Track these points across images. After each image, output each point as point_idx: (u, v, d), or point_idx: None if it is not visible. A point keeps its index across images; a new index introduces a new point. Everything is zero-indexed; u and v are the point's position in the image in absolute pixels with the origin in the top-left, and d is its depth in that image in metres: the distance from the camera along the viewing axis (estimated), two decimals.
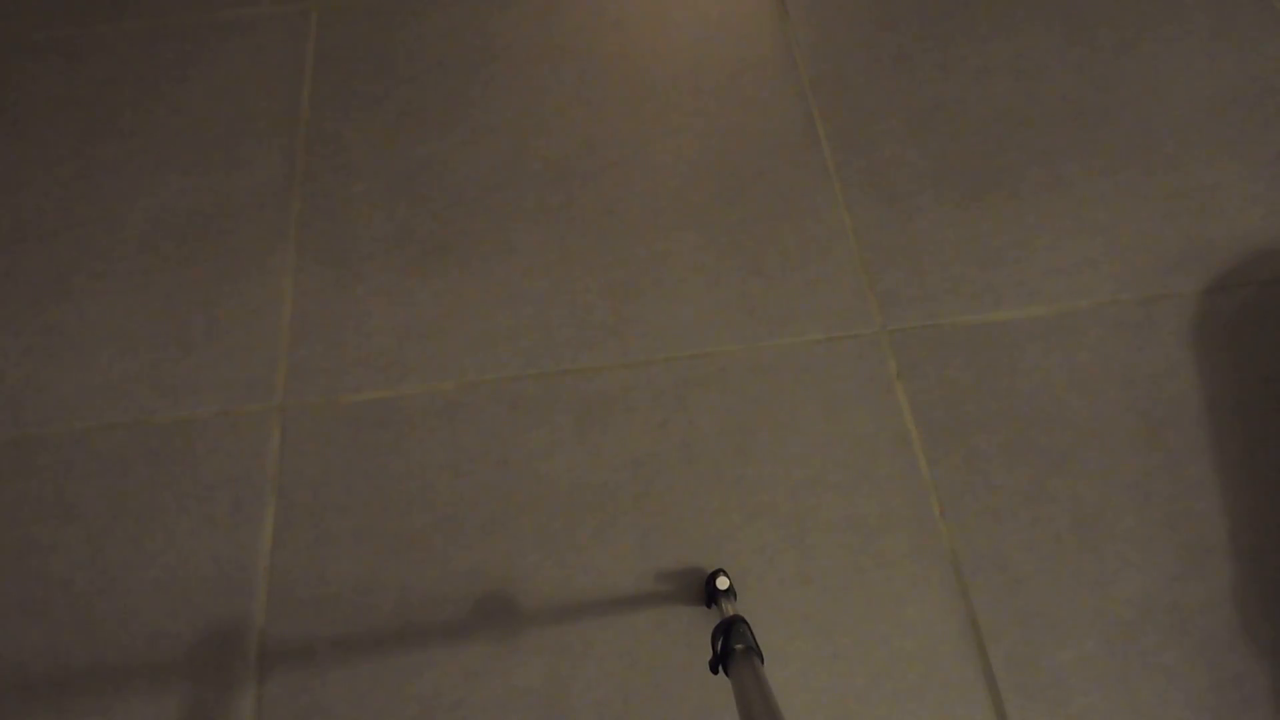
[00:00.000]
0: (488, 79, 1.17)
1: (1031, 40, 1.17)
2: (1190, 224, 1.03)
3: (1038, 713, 0.80)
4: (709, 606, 0.83)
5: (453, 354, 0.98)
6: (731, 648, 0.59)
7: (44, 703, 0.82)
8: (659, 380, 0.96)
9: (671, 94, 1.15)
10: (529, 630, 0.84)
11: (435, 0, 1.24)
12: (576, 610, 0.84)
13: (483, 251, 1.04)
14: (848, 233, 1.04)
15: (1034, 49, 1.17)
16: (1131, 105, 1.12)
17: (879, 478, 0.90)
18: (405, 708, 0.81)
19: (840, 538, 0.87)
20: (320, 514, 0.89)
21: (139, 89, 1.18)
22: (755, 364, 0.96)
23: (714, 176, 1.09)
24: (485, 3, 1.24)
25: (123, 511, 0.90)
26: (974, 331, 0.97)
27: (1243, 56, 1.15)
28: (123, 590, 0.86)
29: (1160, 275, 1.00)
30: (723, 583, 0.77)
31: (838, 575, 0.85)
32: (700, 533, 0.88)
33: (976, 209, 1.05)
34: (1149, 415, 0.92)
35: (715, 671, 0.60)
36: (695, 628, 0.84)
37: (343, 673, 0.82)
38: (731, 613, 0.70)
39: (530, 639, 0.83)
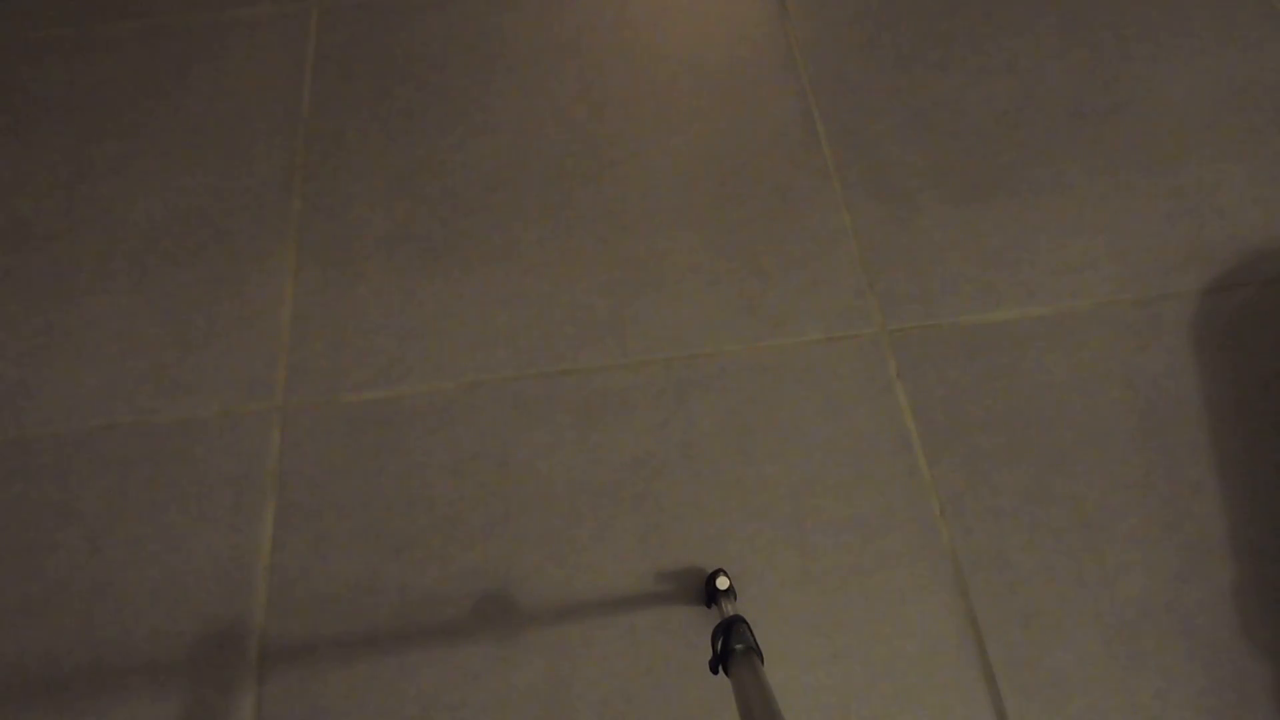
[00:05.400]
0: (488, 79, 1.17)
1: (1031, 40, 1.17)
2: (1190, 224, 1.03)
3: (1038, 713, 0.80)
4: (709, 606, 0.83)
5: (453, 354, 0.98)
6: (731, 648, 0.59)
7: (44, 703, 0.82)
8: (659, 380, 0.96)
9: (671, 94, 1.15)
10: (529, 630, 0.84)
11: (435, 0, 1.24)
12: (576, 610, 0.84)
13: (483, 251, 1.04)
14: (848, 233, 1.04)
15: (1034, 49, 1.17)
16: (1131, 105, 1.12)
17: (879, 478, 0.90)
18: (405, 708, 0.81)
19: (840, 538, 0.87)
20: (320, 514, 0.89)
21: (139, 89, 1.18)
22: (755, 364, 0.96)
23: (714, 176, 1.09)
24: (486, 2, 1.24)
25: (123, 511, 0.90)
26: (974, 331, 0.97)
27: (1243, 57, 1.15)
28: (123, 590, 0.86)
29: (1160, 275, 1.00)
30: (723, 583, 0.77)
31: (838, 575, 0.85)
32: (700, 533, 0.88)
33: (976, 209, 1.05)
34: (1149, 415, 0.92)
35: (715, 671, 0.60)
36: (695, 628, 0.84)
37: (343, 673, 0.82)
38: (731, 613, 0.70)
39: (530, 639, 0.83)
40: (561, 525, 0.88)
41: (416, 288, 1.02)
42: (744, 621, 0.62)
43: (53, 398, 0.96)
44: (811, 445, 0.92)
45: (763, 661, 0.59)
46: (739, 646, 0.59)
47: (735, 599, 0.78)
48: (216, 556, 0.88)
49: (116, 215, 1.08)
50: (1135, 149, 1.08)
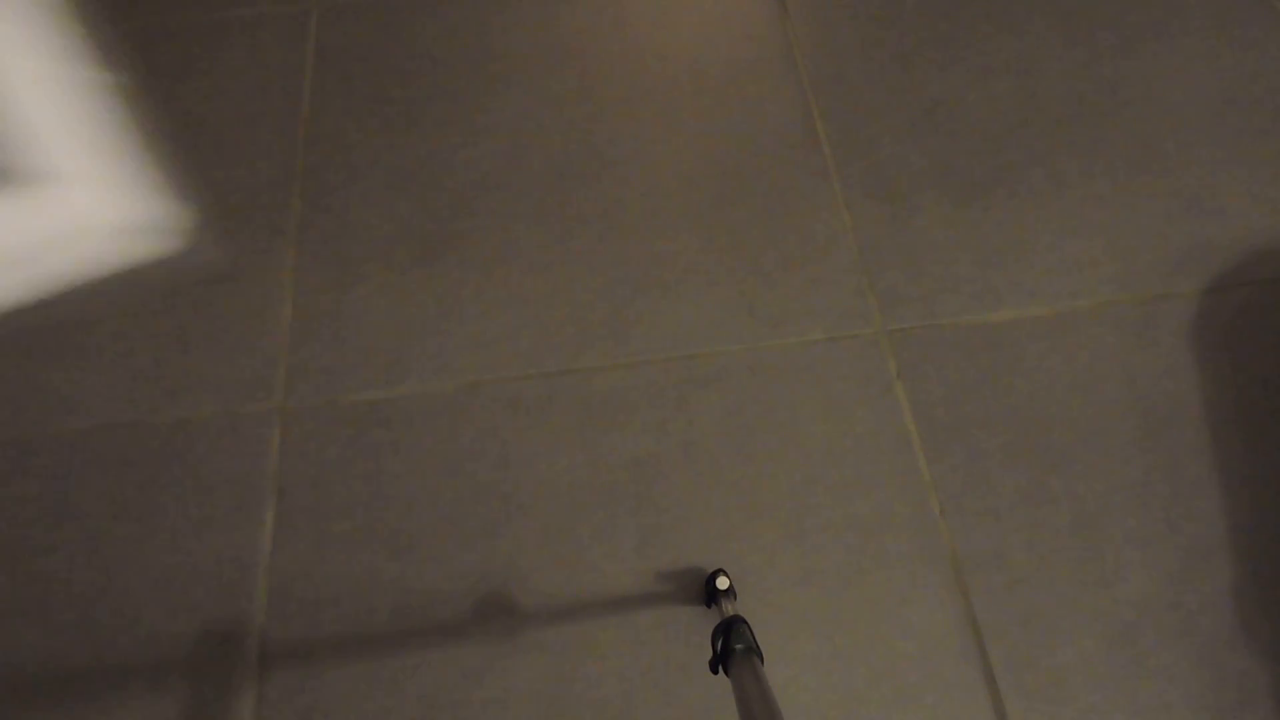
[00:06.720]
0: (488, 79, 1.17)
1: (1031, 40, 1.17)
2: (1190, 224, 1.03)
3: (1038, 713, 0.80)
4: (709, 606, 0.83)
5: (453, 354, 0.98)
6: (731, 648, 0.59)
7: (44, 703, 0.82)
8: (659, 380, 0.96)
9: (671, 94, 1.15)
10: (529, 630, 0.84)
11: (435, 0, 1.24)
12: (576, 610, 0.84)
13: (483, 251, 1.04)
14: (848, 233, 1.04)
15: (1034, 49, 1.17)
16: (1131, 105, 1.12)
17: (879, 478, 0.90)
18: (405, 708, 0.81)
19: (840, 538, 0.87)
20: (320, 514, 0.89)
21: (138, 89, 1.18)
22: (755, 364, 0.96)
23: (714, 176, 1.09)
24: (485, 3, 1.24)
25: (123, 511, 0.90)
26: (974, 331, 0.97)
27: (1243, 56, 1.15)
28: (123, 590, 0.86)
29: (1160, 275, 1.00)
30: (723, 583, 0.77)
31: (838, 575, 0.85)
32: (700, 533, 0.88)
33: (976, 209, 1.05)
34: (1149, 415, 0.92)
35: (715, 671, 0.60)
36: (695, 628, 0.84)
37: (343, 673, 0.82)
38: (731, 613, 0.70)
39: (530, 639, 0.83)
40: (561, 525, 0.88)
41: (416, 288, 1.02)
42: (744, 621, 0.62)
43: (53, 398, 0.96)
44: (811, 445, 0.92)
45: (763, 661, 0.59)
46: (739, 646, 0.59)
47: (735, 599, 0.78)
48: (216, 556, 0.88)
49: None
50: (1135, 149, 1.08)
